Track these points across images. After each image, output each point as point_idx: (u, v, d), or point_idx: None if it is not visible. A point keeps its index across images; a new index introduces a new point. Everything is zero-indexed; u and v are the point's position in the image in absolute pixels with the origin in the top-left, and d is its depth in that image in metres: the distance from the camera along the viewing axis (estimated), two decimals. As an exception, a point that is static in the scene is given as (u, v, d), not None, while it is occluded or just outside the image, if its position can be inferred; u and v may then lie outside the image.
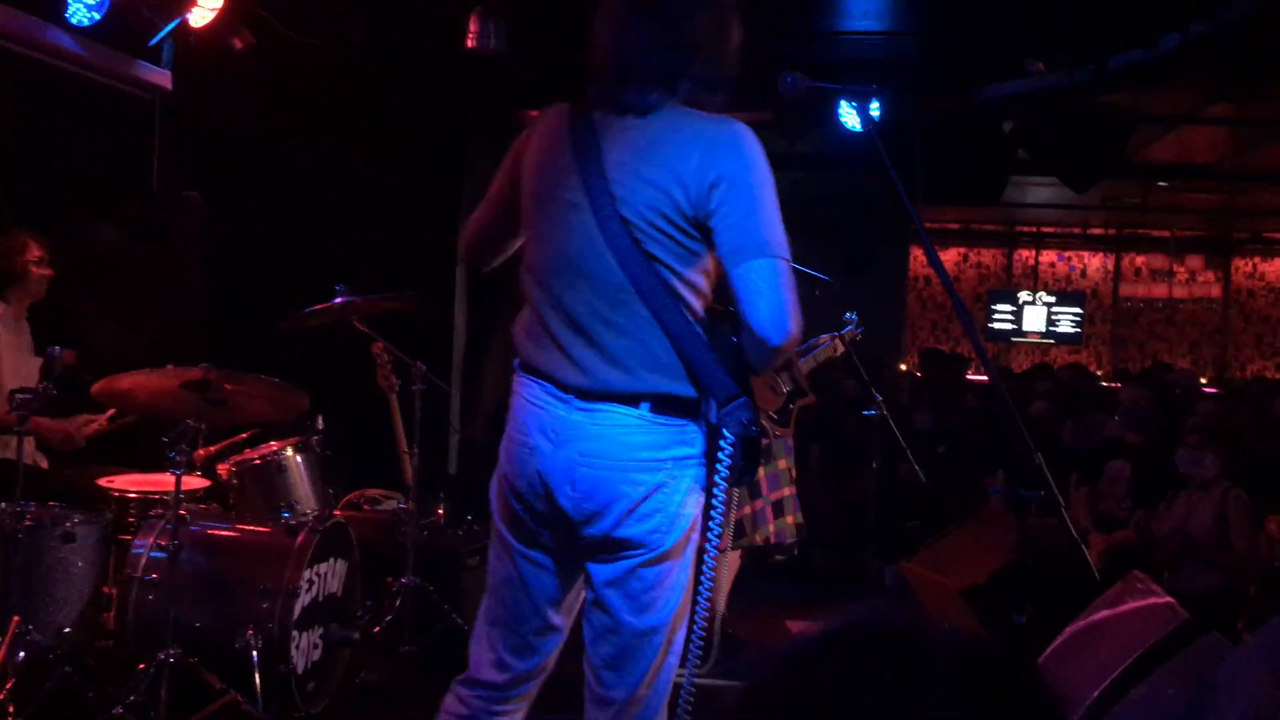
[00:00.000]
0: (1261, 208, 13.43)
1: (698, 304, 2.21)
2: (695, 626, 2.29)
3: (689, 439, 2.21)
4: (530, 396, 2.27)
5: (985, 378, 11.06)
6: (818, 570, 6.19)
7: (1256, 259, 15.66)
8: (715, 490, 2.22)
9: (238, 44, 5.35)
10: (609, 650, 2.29)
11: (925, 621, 0.74)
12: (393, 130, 5.99)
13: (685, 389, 2.18)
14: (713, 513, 2.23)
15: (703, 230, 2.16)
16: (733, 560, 4.80)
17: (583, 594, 2.40)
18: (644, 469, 2.18)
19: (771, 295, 2.10)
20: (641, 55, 2.22)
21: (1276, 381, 11.75)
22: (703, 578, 2.26)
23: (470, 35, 5.47)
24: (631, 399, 2.17)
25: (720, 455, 2.19)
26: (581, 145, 2.23)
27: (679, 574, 2.26)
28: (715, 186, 2.11)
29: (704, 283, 2.22)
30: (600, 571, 2.28)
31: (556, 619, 2.41)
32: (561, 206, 2.24)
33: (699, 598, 2.28)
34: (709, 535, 2.23)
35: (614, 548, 2.24)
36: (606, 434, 2.18)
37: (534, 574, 2.36)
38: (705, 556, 2.24)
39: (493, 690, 2.40)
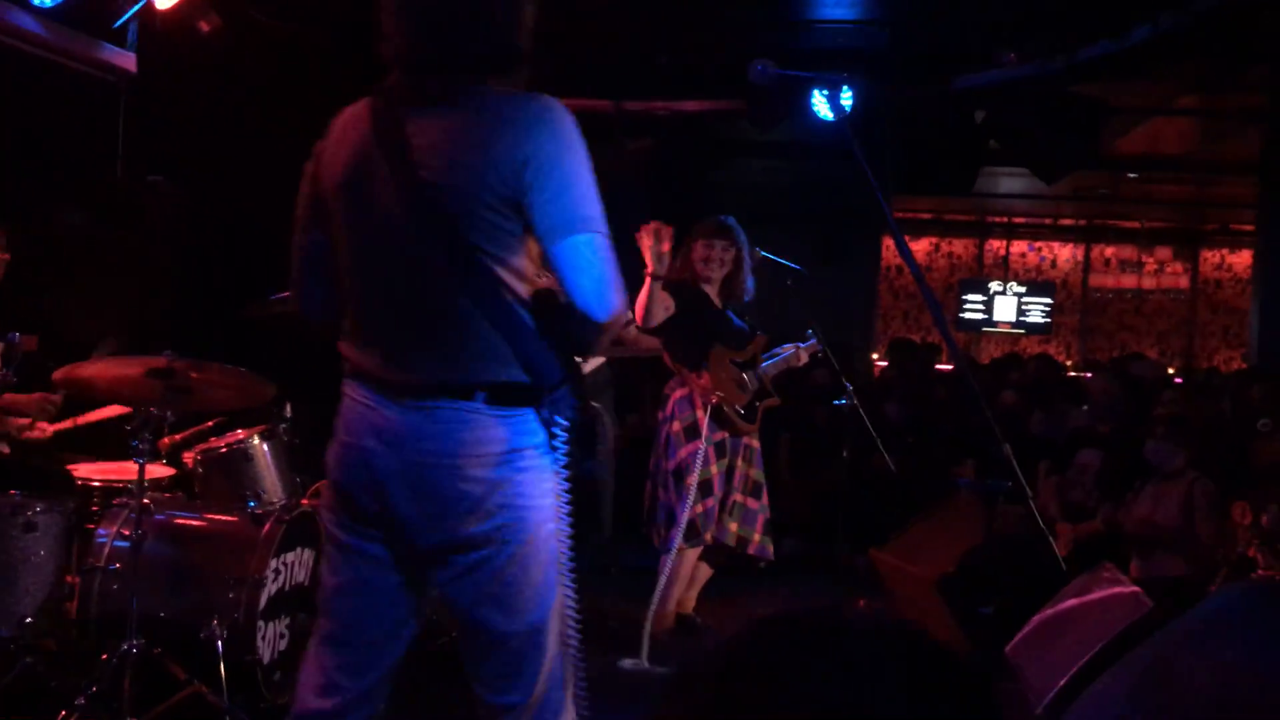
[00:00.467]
0: (1229, 199, 13.56)
1: (522, 289, 2.15)
2: (569, 612, 2.24)
3: (530, 428, 2.15)
4: (359, 398, 2.20)
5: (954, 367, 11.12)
6: (788, 559, 6.20)
7: (1224, 250, 15.81)
8: (557, 473, 2.19)
9: (204, 27, 5.29)
10: (499, 663, 2.20)
11: (856, 610, 0.74)
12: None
13: (519, 375, 2.13)
14: (558, 496, 2.19)
15: (519, 212, 2.09)
16: (702, 566, 4.81)
17: (422, 600, 2.29)
18: (486, 465, 2.11)
19: (593, 271, 2.06)
20: (433, 38, 2.15)
21: (1232, 373, 11.87)
22: (564, 564, 2.21)
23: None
24: (465, 391, 2.11)
25: (556, 442, 2.16)
26: (386, 137, 2.15)
27: (546, 568, 2.18)
28: (527, 165, 2.05)
29: (527, 266, 2.16)
30: (462, 592, 2.17)
31: (399, 628, 2.28)
32: (372, 202, 2.15)
33: (566, 583, 2.23)
34: (556, 518, 2.20)
35: (464, 548, 2.14)
36: (443, 431, 2.11)
37: (377, 575, 2.23)
38: (551, 539, 2.19)
39: None
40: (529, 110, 2.11)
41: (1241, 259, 15.43)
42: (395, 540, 2.20)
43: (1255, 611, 0.82)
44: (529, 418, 2.15)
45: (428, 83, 2.16)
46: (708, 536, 4.61)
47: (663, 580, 4.60)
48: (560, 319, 2.15)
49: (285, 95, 5.78)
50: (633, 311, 5.59)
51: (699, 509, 4.54)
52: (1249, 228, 14.11)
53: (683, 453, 4.56)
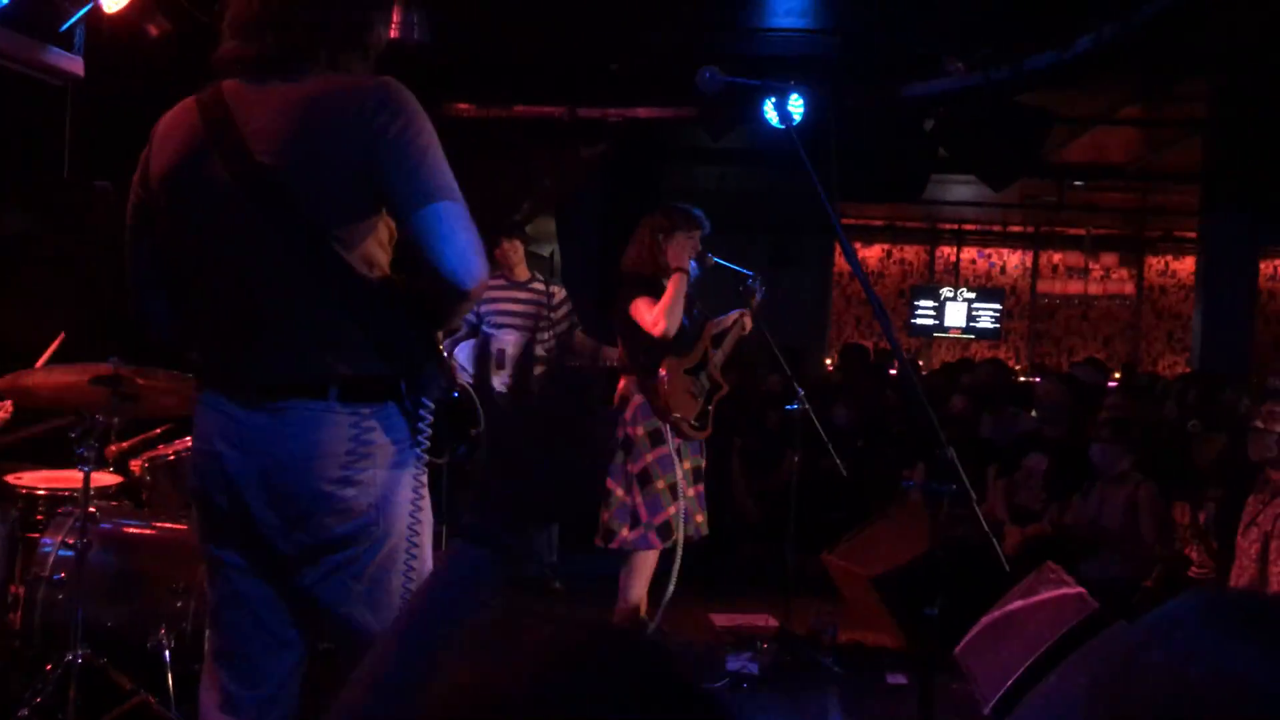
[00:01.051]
0: (1173, 207, 13.81)
1: (374, 274, 2.06)
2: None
3: (389, 423, 2.08)
4: (209, 402, 2.13)
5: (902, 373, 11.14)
6: (739, 562, 6.24)
7: (1168, 257, 16.09)
8: (419, 464, 2.12)
9: (153, 31, 5.23)
10: (344, 646, 2.15)
11: (540, 613, 0.75)
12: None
13: (374, 366, 2.06)
14: (419, 488, 2.13)
15: (370, 189, 2.02)
16: (649, 558, 4.83)
17: (304, 605, 2.21)
18: (344, 466, 2.04)
19: (455, 237, 1.98)
20: (275, 22, 2.08)
21: (1176, 377, 12.08)
22: (411, 559, 2.12)
23: (393, 25, 5.41)
24: (317, 389, 2.04)
25: (421, 426, 2.10)
26: (218, 126, 2.06)
27: (398, 561, 2.11)
28: (377, 142, 1.99)
29: (379, 251, 2.08)
30: (329, 592, 2.11)
31: (284, 632, 2.21)
32: (205, 193, 2.06)
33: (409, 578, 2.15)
34: (415, 512, 2.14)
35: (330, 549, 2.08)
36: (297, 434, 2.04)
37: (248, 584, 2.18)
38: (410, 534, 2.12)
39: None
40: (373, 91, 2.03)
41: (1185, 265, 15.71)
42: (256, 546, 2.12)
43: (1210, 614, 0.85)
44: (388, 411, 2.09)
45: (264, 66, 2.08)
46: (678, 535, 4.64)
47: (626, 579, 4.63)
48: (418, 299, 2.09)
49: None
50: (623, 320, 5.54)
51: (672, 510, 4.57)
52: (1192, 235, 14.40)
53: (649, 457, 4.58)
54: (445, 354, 2.18)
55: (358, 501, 2.06)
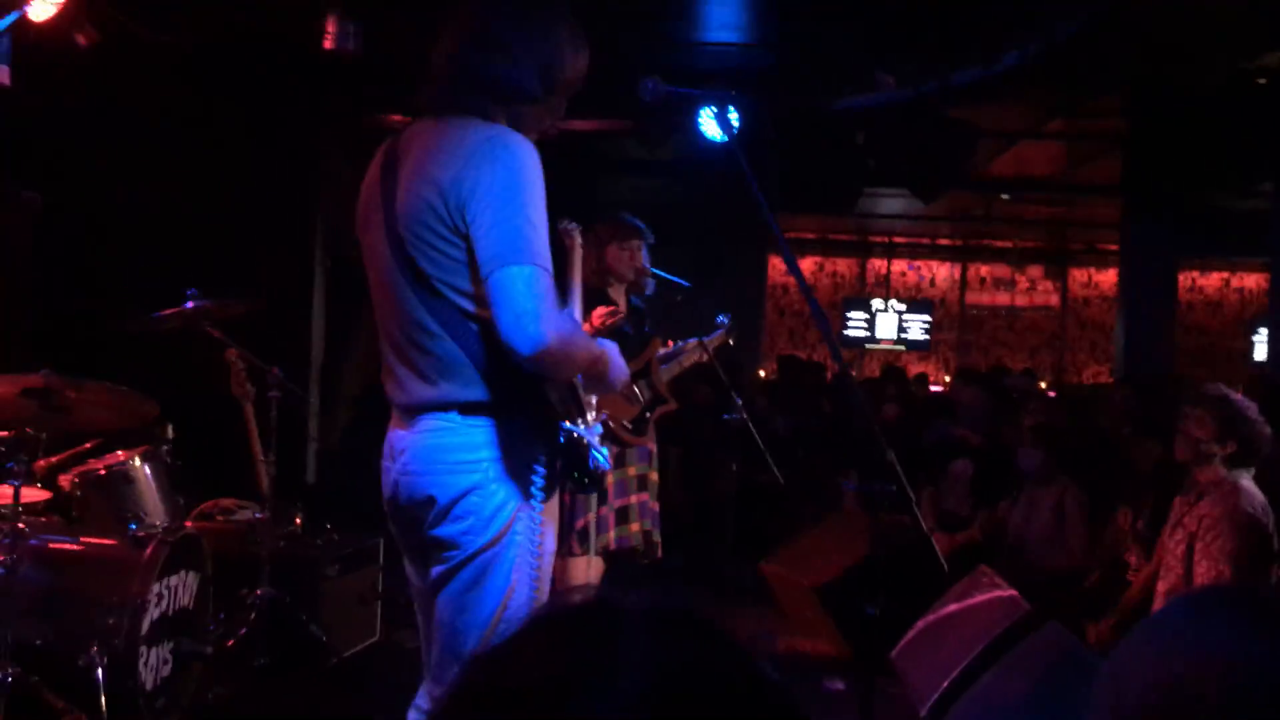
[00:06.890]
0: (1095, 220, 14.13)
1: (481, 312, 2.16)
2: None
3: (503, 445, 2.19)
4: (392, 421, 2.36)
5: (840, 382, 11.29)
6: (678, 572, 6.25)
7: (1092, 269, 16.47)
8: (533, 500, 2.23)
9: (82, 40, 5.15)
10: (438, 647, 2.33)
11: (618, 595, 0.76)
12: (244, 129, 5.84)
13: (487, 394, 2.21)
14: (530, 522, 2.22)
15: (467, 240, 2.12)
16: (596, 566, 4.81)
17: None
18: (455, 471, 2.19)
19: (513, 304, 2.05)
20: (445, 62, 2.24)
21: (1102, 385, 12.35)
22: (530, 587, 2.25)
23: (328, 36, 5.38)
24: (442, 407, 2.21)
25: (536, 466, 2.21)
26: (389, 162, 2.25)
27: (496, 578, 2.22)
28: (471, 196, 2.09)
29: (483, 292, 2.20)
30: (432, 576, 2.31)
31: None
32: (371, 229, 2.27)
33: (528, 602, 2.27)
34: (530, 546, 2.23)
35: (435, 548, 2.26)
36: (422, 439, 2.22)
37: (419, 585, 2.39)
38: (529, 567, 2.23)
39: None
40: (483, 141, 2.12)
41: (1108, 277, 16.08)
42: (409, 549, 2.38)
43: (1198, 609, 0.88)
44: (503, 433, 2.19)
45: (432, 105, 2.24)
46: (600, 545, 4.62)
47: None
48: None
49: (166, 110, 5.66)
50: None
51: (591, 516, 4.55)
52: (1113, 247, 14.73)
53: None
54: (561, 399, 2.25)
55: (461, 507, 2.20)
